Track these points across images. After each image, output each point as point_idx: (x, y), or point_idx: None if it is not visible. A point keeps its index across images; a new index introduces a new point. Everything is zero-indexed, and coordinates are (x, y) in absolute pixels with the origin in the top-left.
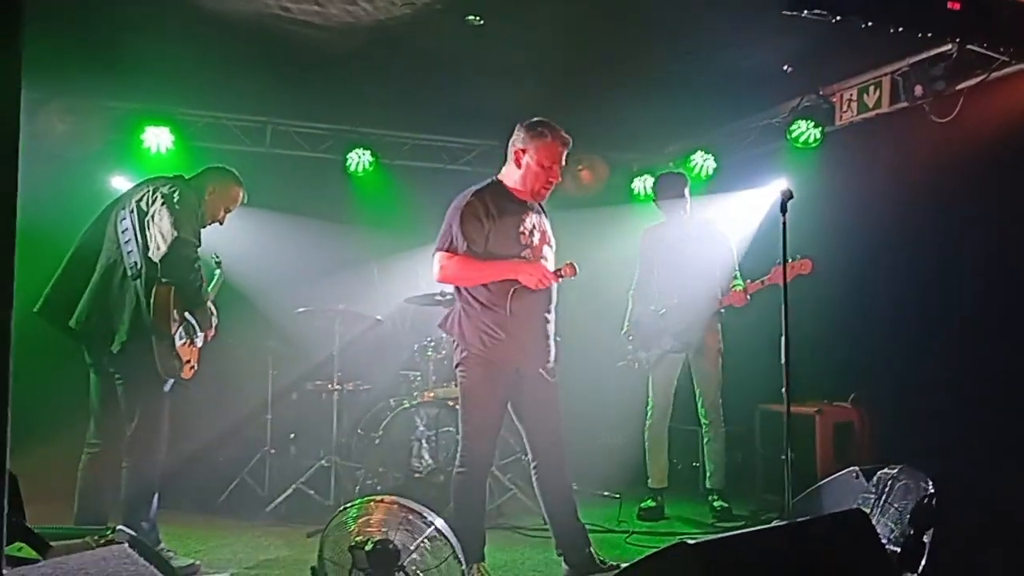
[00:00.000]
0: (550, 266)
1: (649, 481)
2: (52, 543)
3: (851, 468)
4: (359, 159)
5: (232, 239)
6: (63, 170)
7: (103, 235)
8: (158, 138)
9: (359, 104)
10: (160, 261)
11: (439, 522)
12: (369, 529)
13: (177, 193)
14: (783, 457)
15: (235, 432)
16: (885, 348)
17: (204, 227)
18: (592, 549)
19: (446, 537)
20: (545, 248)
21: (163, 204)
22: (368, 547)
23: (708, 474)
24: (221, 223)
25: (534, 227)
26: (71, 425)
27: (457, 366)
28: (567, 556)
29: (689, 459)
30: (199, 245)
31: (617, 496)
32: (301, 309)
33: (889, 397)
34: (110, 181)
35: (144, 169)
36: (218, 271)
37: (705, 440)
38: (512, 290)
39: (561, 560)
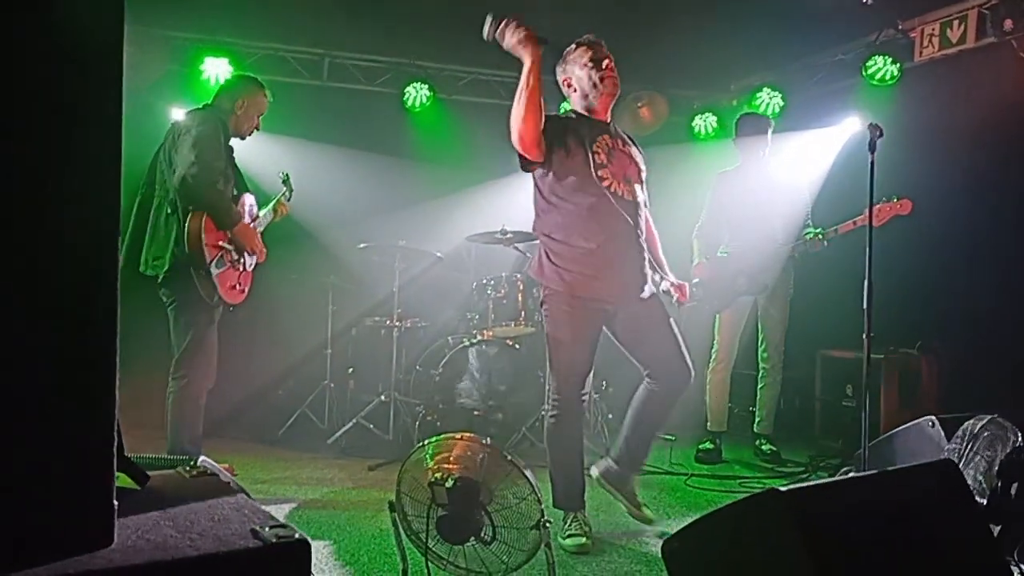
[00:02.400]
0: (631, 190)
1: (708, 424)
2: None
3: (927, 417)
4: (416, 93)
5: (291, 172)
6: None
7: (155, 182)
8: (217, 69)
9: (417, 36)
10: (184, 188)
11: (518, 461)
12: (448, 466)
13: (196, 119)
14: (844, 404)
15: (295, 366)
16: (956, 297)
17: (243, 139)
18: (635, 484)
19: (525, 476)
20: (628, 173)
21: (184, 133)
22: (449, 484)
23: (758, 419)
24: (258, 128)
25: (612, 150)
26: (153, 357)
27: (541, 305)
28: (620, 465)
29: (746, 403)
30: (224, 165)
31: (672, 438)
32: (362, 245)
33: (959, 347)
34: (169, 112)
35: (203, 99)
36: (284, 191)
37: (761, 385)
38: (586, 217)
39: (608, 461)
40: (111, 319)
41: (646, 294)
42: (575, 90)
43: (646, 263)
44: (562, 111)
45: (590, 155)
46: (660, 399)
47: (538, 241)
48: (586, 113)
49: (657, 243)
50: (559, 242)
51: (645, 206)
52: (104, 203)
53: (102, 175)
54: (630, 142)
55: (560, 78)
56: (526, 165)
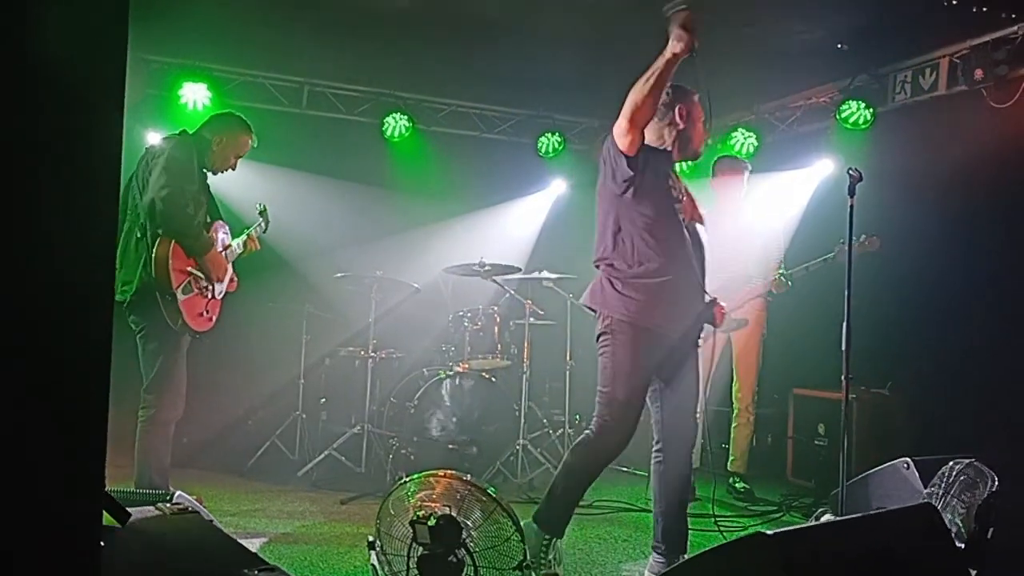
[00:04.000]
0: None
1: None
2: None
3: (902, 459)
4: (395, 124)
5: (267, 199)
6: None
7: (127, 207)
8: (195, 94)
9: (398, 68)
10: (153, 211)
11: (503, 500)
12: (430, 504)
13: (171, 146)
14: (817, 443)
15: (267, 395)
16: (926, 337)
17: (215, 173)
18: (686, 556)
19: (509, 515)
20: (696, 211)
21: (158, 157)
22: (431, 522)
23: (731, 458)
24: (233, 169)
25: (681, 188)
26: (121, 385)
27: (600, 336)
28: (665, 553)
29: (720, 440)
30: (196, 190)
31: (644, 474)
32: (339, 274)
33: (927, 386)
34: (146, 136)
35: (180, 125)
36: (259, 223)
37: (734, 424)
38: (664, 247)
39: (652, 553)
40: (103, 356)
41: (703, 336)
42: (679, 127)
43: (704, 302)
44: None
45: (670, 188)
46: (671, 467)
47: (601, 270)
48: (669, 149)
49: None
50: (630, 268)
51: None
52: (102, 227)
53: (101, 203)
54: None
55: (678, 106)
56: (625, 163)
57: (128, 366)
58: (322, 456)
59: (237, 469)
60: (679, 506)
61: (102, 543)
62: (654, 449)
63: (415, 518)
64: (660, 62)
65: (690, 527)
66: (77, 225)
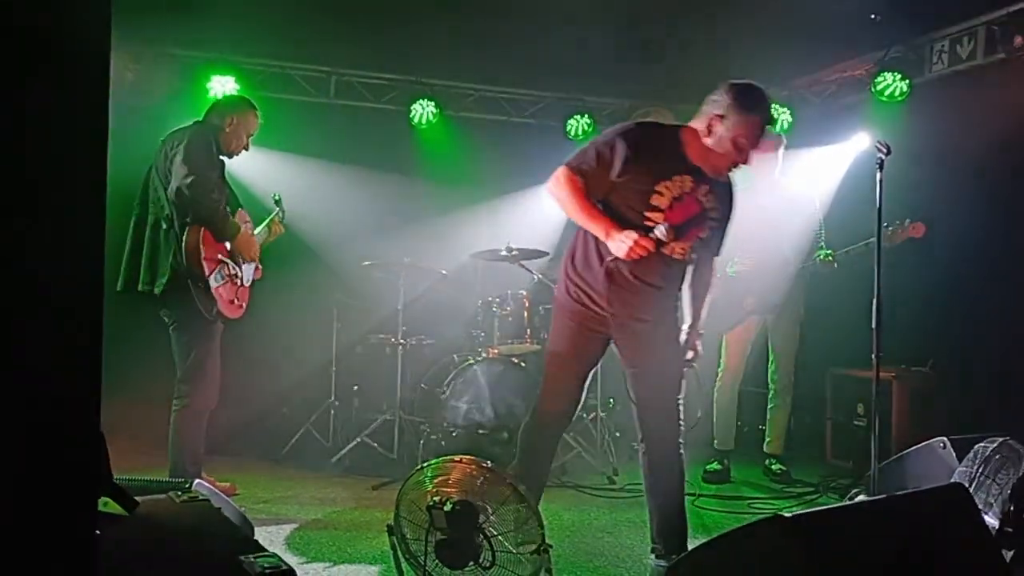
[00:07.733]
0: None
1: (715, 443)
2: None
3: (938, 438)
4: (423, 110)
5: (296, 190)
6: (129, 119)
7: (148, 201)
8: (224, 87)
9: (424, 54)
10: (180, 200)
11: (519, 484)
12: (447, 489)
13: (189, 134)
14: (855, 423)
15: (300, 383)
16: (966, 314)
17: (231, 157)
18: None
19: (525, 499)
20: (689, 228)
21: (176, 147)
22: (448, 507)
23: (767, 439)
24: (247, 149)
25: (681, 196)
26: (156, 377)
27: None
28: (661, 551)
29: (756, 422)
30: (218, 177)
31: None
32: (367, 262)
33: (969, 365)
34: None
35: None
36: (277, 211)
37: (771, 406)
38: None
39: (652, 556)
40: (93, 346)
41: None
42: (710, 137)
43: (657, 305)
44: None
45: (651, 195)
46: (655, 453)
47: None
48: (690, 151)
49: (703, 294)
50: (581, 261)
51: (707, 255)
52: (89, 216)
53: (87, 191)
54: (717, 192)
55: (710, 110)
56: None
57: (161, 357)
58: (354, 443)
59: (273, 456)
60: (673, 501)
61: (101, 531)
62: (641, 441)
63: (432, 503)
64: (593, 225)
65: (721, 509)
66: (57, 212)
